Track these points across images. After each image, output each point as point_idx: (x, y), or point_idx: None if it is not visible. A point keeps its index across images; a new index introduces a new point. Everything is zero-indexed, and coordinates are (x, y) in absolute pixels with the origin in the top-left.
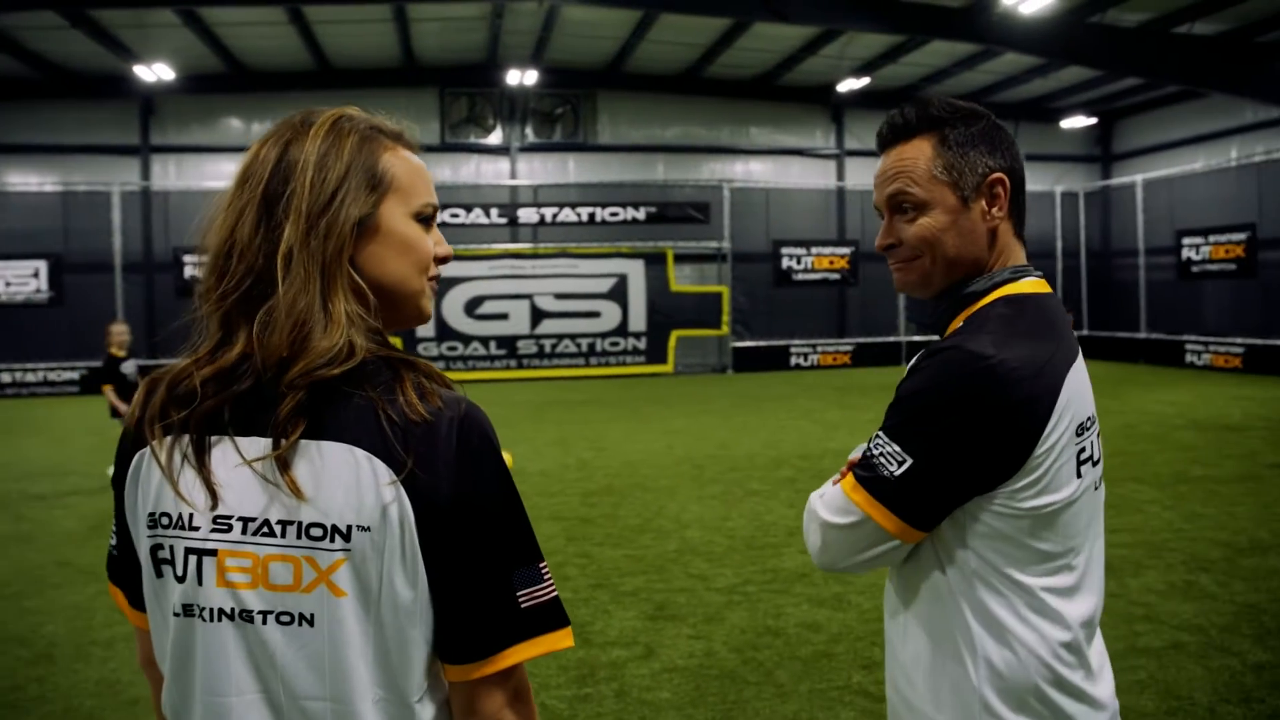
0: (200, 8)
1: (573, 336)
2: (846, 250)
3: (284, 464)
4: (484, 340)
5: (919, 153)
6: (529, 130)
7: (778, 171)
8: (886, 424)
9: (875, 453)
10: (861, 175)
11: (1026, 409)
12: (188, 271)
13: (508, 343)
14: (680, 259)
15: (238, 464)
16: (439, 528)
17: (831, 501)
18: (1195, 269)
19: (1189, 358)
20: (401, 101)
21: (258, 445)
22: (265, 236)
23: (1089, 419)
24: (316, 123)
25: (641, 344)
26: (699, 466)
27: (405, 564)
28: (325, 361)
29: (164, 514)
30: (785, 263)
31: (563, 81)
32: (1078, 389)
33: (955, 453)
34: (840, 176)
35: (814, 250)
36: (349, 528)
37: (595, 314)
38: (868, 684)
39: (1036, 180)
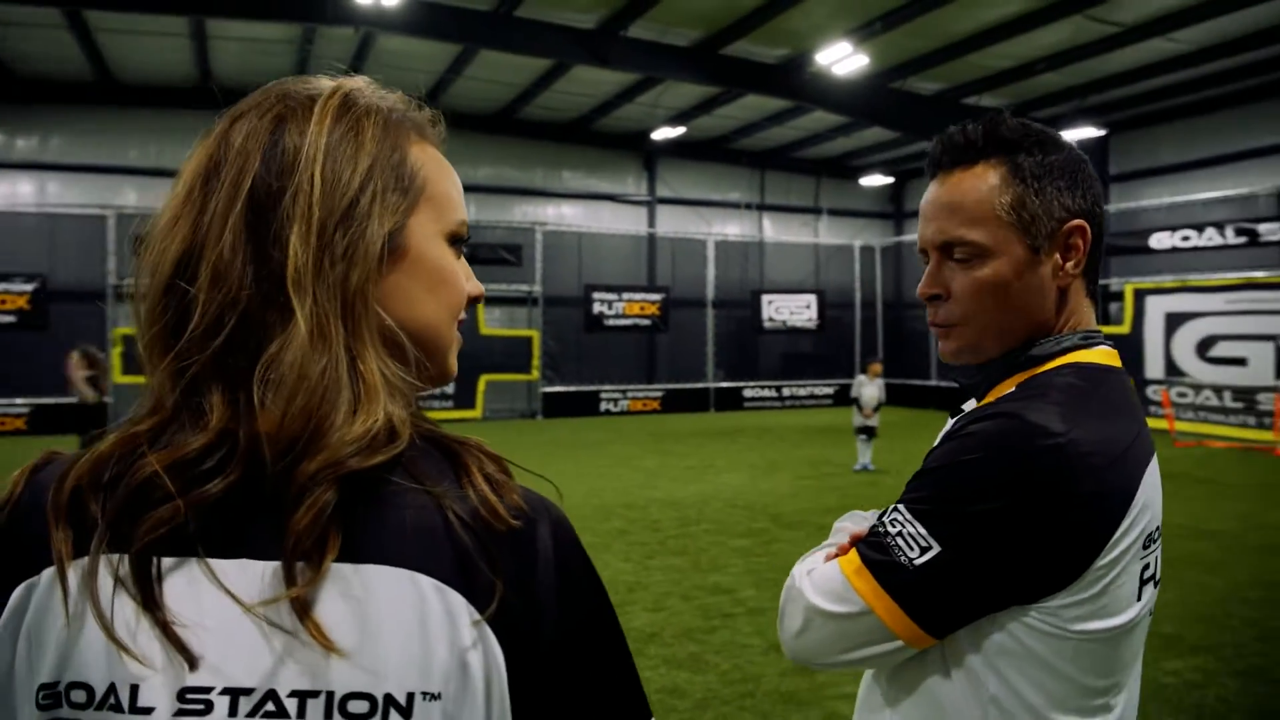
0: None
1: None
2: (657, 296)
3: (304, 603)
4: None
5: (982, 183)
6: None
7: (590, 216)
8: (909, 496)
9: (891, 531)
10: (672, 223)
11: (1095, 506)
12: None
13: None
14: (490, 302)
15: (218, 602)
16: (537, 683)
17: (825, 582)
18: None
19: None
20: (193, 123)
21: (252, 573)
22: (253, 256)
23: (1158, 529)
24: (320, 97)
25: (449, 388)
26: None
27: None
28: (360, 448)
29: (77, 685)
30: (597, 307)
31: None
32: (1154, 491)
33: (997, 547)
34: (651, 223)
35: (625, 296)
36: (410, 698)
37: None
38: None
39: (837, 234)
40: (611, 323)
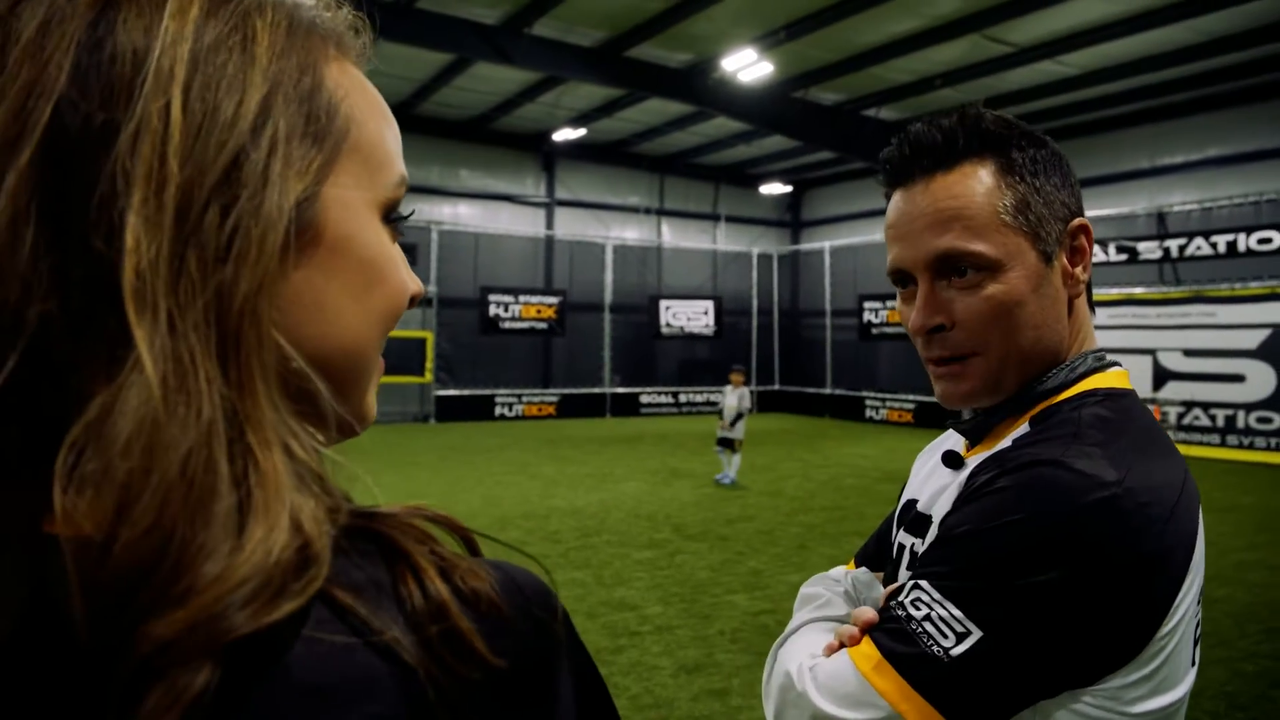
0: None
1: None
2: (554, 300)
3: None
4: None
5: (977, 185)
6: None
7: (487, 216)
8: (934, 570)
9: (916, 615)
10: (570, 225)
11: (1160, 566)
12: None
13: None
14: None
15: None
16: None
17: (836, 682)
18: (875, 330)
19: (869, 412)
20: None
21: None
22: (54, 244)
23: (1203, 579)
24: None
25: None
26: None
27: None
28: (253, 592)
29: None
30: (493, 310)
31: None
32: (1201, 541)
33: (1050, 628)
34: (550, 225)
35: (522, 298)
36: None
37: None
38: None
39: (736, 241)
40: (507, 325)
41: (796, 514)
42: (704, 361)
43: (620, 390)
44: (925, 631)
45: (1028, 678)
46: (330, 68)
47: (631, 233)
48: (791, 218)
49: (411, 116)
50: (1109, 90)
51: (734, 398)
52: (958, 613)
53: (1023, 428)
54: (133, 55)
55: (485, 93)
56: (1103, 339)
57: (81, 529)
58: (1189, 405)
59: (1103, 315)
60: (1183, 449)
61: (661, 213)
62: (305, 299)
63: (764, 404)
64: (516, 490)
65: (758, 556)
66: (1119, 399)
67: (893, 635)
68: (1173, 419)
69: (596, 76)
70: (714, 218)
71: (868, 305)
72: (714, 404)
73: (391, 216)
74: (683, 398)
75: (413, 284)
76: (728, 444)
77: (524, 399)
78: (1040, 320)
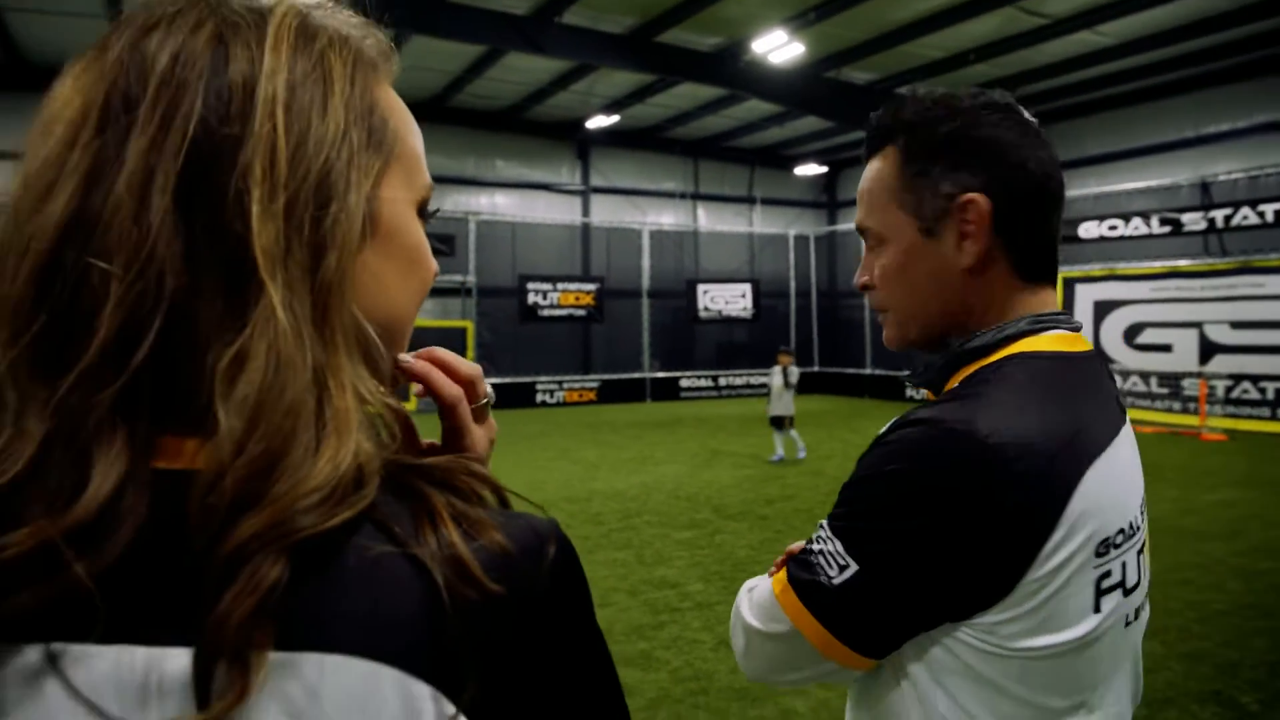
0: None
1: None
2: (592, 286)
3: None
4: None
5: (883, 168)
6: None
7: (524, 206)
8: (833, 511)
9: (815, 549)
10: (607, 212)
11: (1022, 519)
12: None
13: None
14: None
15: (78, 708)
16: None
17: (759, 601)
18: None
19: (909, 392)
20: None
21: (130, 666)
22: (191, 229)
23: (1122, 531)
24: (274, 12)
25: None
26: None
27: None
28: (319, 501)
29: None
30: (531, 298)
31: None
32: (1105, 490)
33: (916, 566)
34: (586, 212)
35: (560, 286)
36: None
37: None
38: None
39: (772, 223)
40: (546, 313)
41: (836, 493)
42: (743, 345)
43: (660, 375)
44: (819, 563)
45: (900, 607)
46: (380, 90)
47: (667, 218)
48: (827, 198)
49: (446, 109)
50: (1148, 59)
51: (779, 377)
52: (841, 548)
53: (955, 386)
54: (244, 85)
55: (518, 83)
56: (1147, 313)
57: (192, 463)
58: (1237, 379)
59: (1146, 289)
60: (1230, 423)
61: (697, 197)
62: (366, 277)
63: (804, 385)
64: (559, 475)
65: (797, 535)
66: (1034, 360)
67: (798, 564)
68: (1220, 393)
69: (628, 63)
70: (749, 200)
71: None
72: (754, 387)
73: (423, 212)
74: (722, 381)
75: (434, 265)
76: (779, 423)
77: (565, 386)
78: (925, 288)
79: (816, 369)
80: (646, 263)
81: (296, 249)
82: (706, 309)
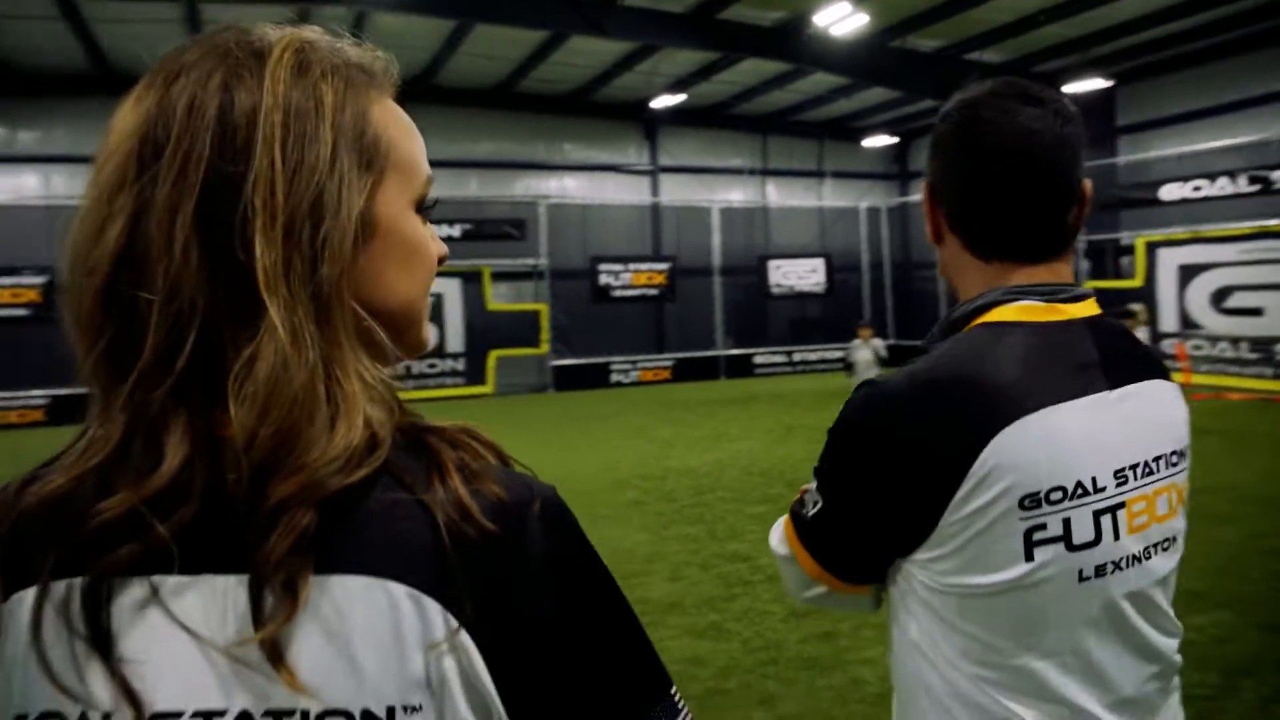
0: None
1: None
2: (664, 266)
3: (274, 645)
4: None
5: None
6: None
7: (593, 188)
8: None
9: (806, 488)
10: (675, 191)
11: (935, 462)
12: None
13: None
14: (497, 277)
15: (179, 636)
16: (530, 683)
17: (777, 529)
18: None
19: None
20: None
21: (211, 594)
22: (211, 258)
23: (1061, 489)
24: (272, 52)
25: (460, 365)
26: None
27: None
28: (340, 465)
29: (49, 715)
30: (603, 279)
31: None
32: (1029, 447)
33: (855, 503)
34: (655, 192)
35: (631, 266)
36: (390, 712)
37: None
38: None
39: (842, 196)
40: (619, 294)
41: None
42: (816, 320)
43: (733, 352)
44: (805, 499)
45: (855, 538)
46: (374, 108)
47: (737, 194)
48: (898, 169)
49: (512, 95)
50: (1232, 10)
51: (867, 350)
52: (814, 487)
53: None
54: (246, 122)
55: (583, 66)
56: (1235, 275)
57: (237, 433)
58: None
59: (1231, 251)
60: None
61: (766, 173)
62: (369, 275)
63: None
64: (633, 453)
65: None
66: (992, 328)
67: (799, 500)
68: None
69: (690, 41)
70: (819, 174)
71: None
72: (828, 362)
73: (422, 207)
74: (796, 357)
75: (438, 249)
76: None
77: (639, 365)
78: (946, 264)
79: (891, 341)
80: (717, 240)
81: (297, 263)
82: (779, 285)
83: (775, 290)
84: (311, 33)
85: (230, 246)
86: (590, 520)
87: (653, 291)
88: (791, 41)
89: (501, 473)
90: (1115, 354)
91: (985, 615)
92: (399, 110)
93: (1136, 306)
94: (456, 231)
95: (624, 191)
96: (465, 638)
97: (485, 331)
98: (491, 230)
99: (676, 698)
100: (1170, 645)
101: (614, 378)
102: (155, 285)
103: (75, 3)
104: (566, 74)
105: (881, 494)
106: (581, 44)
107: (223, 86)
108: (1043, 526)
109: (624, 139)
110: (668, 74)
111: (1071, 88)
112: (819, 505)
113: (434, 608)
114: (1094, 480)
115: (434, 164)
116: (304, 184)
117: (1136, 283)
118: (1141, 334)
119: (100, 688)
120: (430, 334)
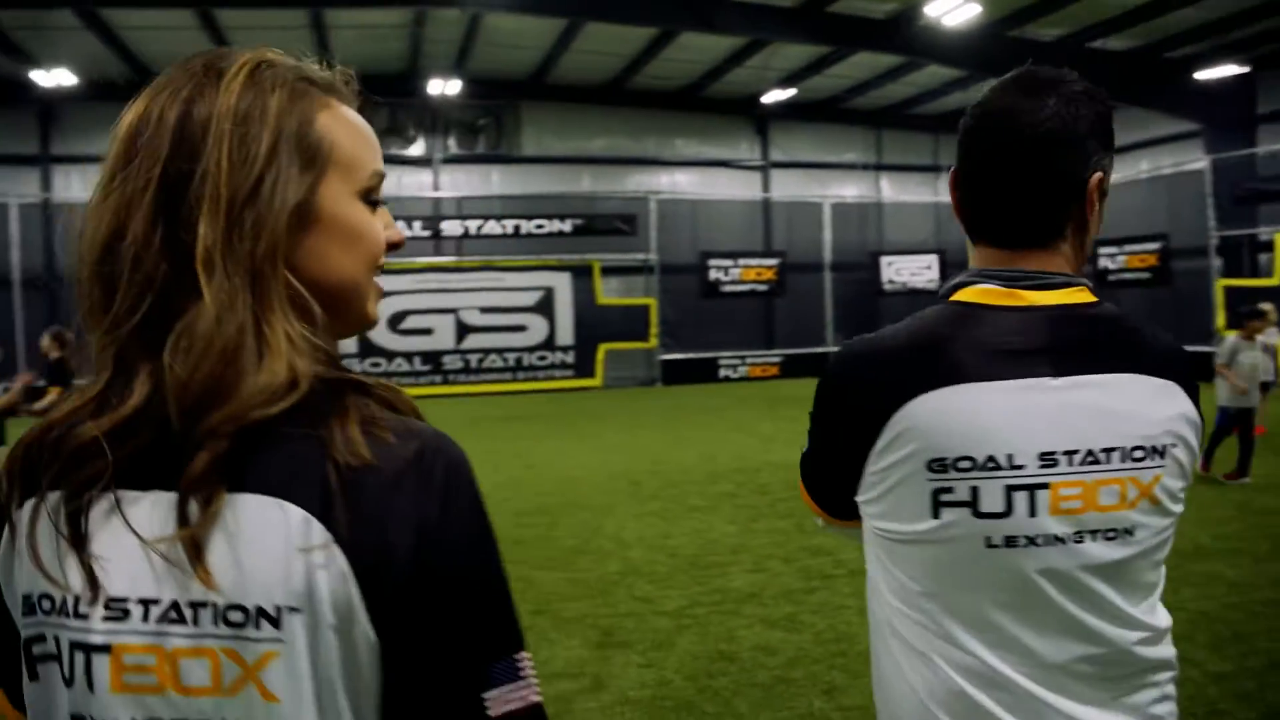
0: (103, 9)
1: (499, 351)
2: (774, 261)
3: (194, 541)
4: (408, 356)
5: None
6: (451, 142)
7: (704, 183)
8: None
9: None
10: (786, 186)
11: (858, 416)
12: None
13: (433, 358)
14: (607, 271)
15: (130, 535)
16: (391, 607)
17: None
18: (1112, 277)
19: None
20: None
21: (162, 504)
22: (168, 236)
23: (970, 459)
24: (228, 70)
25: (569, 358)
26: (635, 483)
27: (346, 657)
28: (262, 400)
29: (44, 596)
30: (713, 274)
31: (486, 92)
32: (944, 417)
33: (818, 445)
34: (766, 188)
35: (741, 261)
36: (278, 610)
37: (522, 328)
38: (830, 710)
39: None
40: (728, 289)
41: None
42: None
43: None
44: (806, 442)
45: (824, 476)
46: (321, 114)
47: (849, 190)
48: None
49: (624, 91)
50: None
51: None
52: (808, 430)
53: None
54: (202, 130)
55: (693, 61)
56: None
57: (177, 374)
58: None
59: None
60: None
61: (880, 168)
62: (314, 254)
63: None
64: (733, 447)
65: None
66: (950, 306)
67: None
68: None
69: (801, 35)
70: (935, 169)
71: (1103, 250)
72: None
73: (369, 199)
74: None
75: (390, 235)
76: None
77: (747, 361)
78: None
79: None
80: (828, 236)
81: (236, 242)
82: (891, 281)
83: (888, 287)
84: (274, 54)
85: (180, 230)
86: (682, 511)
87: (762, 287)
88: (903, 34)
89: (399, 422)
90: (1076, 343)
91: (905, 561)
92: (352, 116)
93: (1267, 306)
94: (568, 226)
95: (734, 187)
96: (340, 556)
97: (595, 325)
98: (603, 225)
99: (521, 662)
100: (1120, 635)
101: (722, 373)
102: (123, 262)
103: (212, 13)
104: (678, 70)
105: (830, 439)
106: (692, 40)
107: (187, 99)
108: (949, 490)
109: (735, 134)
110: (779, 69)
111: (1205, 74)
112: (808, 445)
113: (318, 528)
114: (1009, 457)
115: (546, 161)
116: (243, 177)
117: (1275, 280)
118: (1272, 335)
119: (75, 577)
120: (377, 310)
